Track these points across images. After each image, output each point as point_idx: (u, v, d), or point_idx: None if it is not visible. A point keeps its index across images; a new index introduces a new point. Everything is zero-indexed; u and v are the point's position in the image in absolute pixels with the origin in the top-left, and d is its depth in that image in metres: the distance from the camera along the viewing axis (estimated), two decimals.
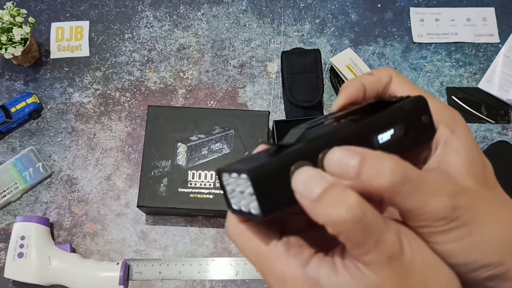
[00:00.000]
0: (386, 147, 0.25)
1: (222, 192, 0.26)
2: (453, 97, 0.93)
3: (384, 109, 0.26)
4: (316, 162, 0.24)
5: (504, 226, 0.25)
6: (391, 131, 0.26)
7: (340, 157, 0.23)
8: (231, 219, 0.26)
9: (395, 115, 0.26)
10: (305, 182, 0.23)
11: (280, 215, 0.24)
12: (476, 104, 0.92)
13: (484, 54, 0.96)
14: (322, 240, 0.25)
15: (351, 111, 0.27)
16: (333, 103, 0.29)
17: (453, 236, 0.24)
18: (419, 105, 0.26)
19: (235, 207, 0.25)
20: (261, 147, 0.27)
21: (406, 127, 0.26)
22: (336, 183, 0.22)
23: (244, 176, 0.23)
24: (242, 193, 0.24)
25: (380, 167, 0.22)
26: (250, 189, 0.23)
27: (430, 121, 0.27)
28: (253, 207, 0.24)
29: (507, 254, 0.25)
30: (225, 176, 0.25)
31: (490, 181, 0.27)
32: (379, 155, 0.23)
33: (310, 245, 0.25)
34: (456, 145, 0.26)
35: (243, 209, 0.24)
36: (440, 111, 0.27)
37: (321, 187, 0.22)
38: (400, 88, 0.29)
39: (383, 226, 0.22)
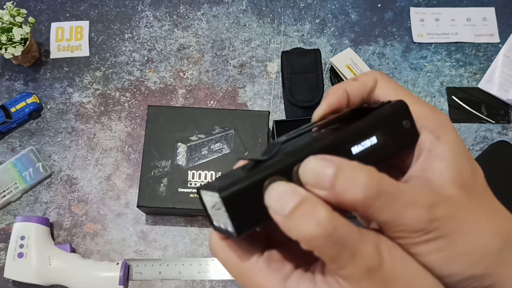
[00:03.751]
0: (365, 156, 0.25)
1: (203, 210, 0.26)
2: (453, 97, 0.93)
3: (363, 116, 0.25)
4: (290, 176, 0.24)
5: (488, 237, 0.24)
6: (369, 139, 0.25)
7: (315, 166, 0.23)
8: (213, 235, 0.26)
9: (374, 122, 0.25)
10: (277, 197, 0.22)
11: (263, 228, 0.24)
12: (476, 104, 0.92)
13: (484, 54, 0.96)
14: (308, 251, 0.25)
15: (333, 119, 0.27)
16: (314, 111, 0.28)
17: (432, 248, 0.23)
18: (399, 110, 0.26)
19: (216, 224, 0.25)
20: (240, 163, 0.26)
21: (385, 133, 0.25)
22: (308, 197, 0.22)
23: (216, 195, 0.23)
24: (219, 211, 0.24)
25: (354, 180, 0.22)
26: (223, 208, 0.23)
27: (412, 126, 0.26)
28: (228, 225, 0.23)
29: (492, 265, 0.24)
30: (204, 194, 0.25)
31: (480, 188, 0.26)
32: (354, 166, 0.22)
33: (295, 257, 0.25)
34: (440, 151, 0.25)
35: (222, 226, 0.24)
36: (426, 116, 0.26)
37: (294, 202, 0.22)
38: (385, 92, 0.28)
39: (358, 239, 0.22)
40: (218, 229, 0.25)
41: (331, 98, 0.27)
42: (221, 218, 0.24)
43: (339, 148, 0.24)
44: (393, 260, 0.23)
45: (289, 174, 0.23)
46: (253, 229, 0.24)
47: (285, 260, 0.25)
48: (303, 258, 0.25)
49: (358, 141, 0.25)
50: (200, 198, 0.26)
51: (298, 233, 0.22)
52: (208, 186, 0.24)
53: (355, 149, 0.25)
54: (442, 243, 0.23)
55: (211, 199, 0.24)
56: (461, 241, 0.24)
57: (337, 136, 0.25)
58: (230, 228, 0.23)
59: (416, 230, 0.23)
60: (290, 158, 0.24)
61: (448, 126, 0.26)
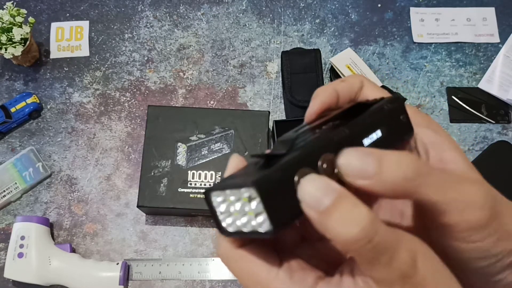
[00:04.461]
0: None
1: (211, 215, 0.24)
2: (453, 97, 0.93)
3: (364, 112, 0.26)
4: (316, 168, 0.23)
5: None
6: (375, 133, 0.25)
7: (358, 156, 0.22)
8: (225, 245, 0.24)
9: (378, 116, 0.26)
10: (312, 191, 0.21)
11: (287, 229, 0.23)
12: (476, 104, 0.92)
13: (484, 54, 0.96)
14: (319, 254, 0.25)
15: (331, 118, 0.27)
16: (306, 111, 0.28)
17: (489, 230, 0.23)
18: (398, 104, 0.26)
19: (230, 229, 0.23)
20: (235, 160, 0.25)
21: (388, 127, 0.26)
22: (345, 194, 0.21)
23: (246, 190, 0.21)
24: (241, 211, 0.22)
25: (400, 163, 0.22)
26: (255, 204, 0.22)
27: (408, 120, 0.27)
28: (260, 223, 0.22)
29: None
30: (216, 196, 0.23)
31: None
32: (396, 153, 0.22)
33: (312, 265, 0.24)
34: (446, 143, 0.26)
35: (244, 229, 0.23)
36: (415, 114, 0.27)
37: (330, 198, 0.21)
38: (372, 93, 0.28)
39: (396, 243, 0.21)
40: (234, 235, 0.23)
41: (323, 97, 0.27)
42: (244, 219, 0.22)
43: (354, 140, 0.25)
44: (426, 266, 0.22)
45: (315, 167, 0.23)
46: (287, 227, 0.22)
47: (306, 270, 0.24)
48: (319, 265, 0.24)
49: (367, 134, 0.25)
50: (209, 201, 0.24)
51: (336, 234, 0.21)
52: (224, 185, 0.23)
53: (366, 142, 0.25)
54: (496, 224, 0.23)
55: (231, 198, 0.23)
56: (506, 220, 0.24)
57: (352, 130, 0.25)
58: (264, 227, 0.22)
59: (478, 207, 0.23)
60: (312, 151, 0.23)
61: (436, 123, 0.28)
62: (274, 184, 0.21)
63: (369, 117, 0.26)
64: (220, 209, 0.23)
